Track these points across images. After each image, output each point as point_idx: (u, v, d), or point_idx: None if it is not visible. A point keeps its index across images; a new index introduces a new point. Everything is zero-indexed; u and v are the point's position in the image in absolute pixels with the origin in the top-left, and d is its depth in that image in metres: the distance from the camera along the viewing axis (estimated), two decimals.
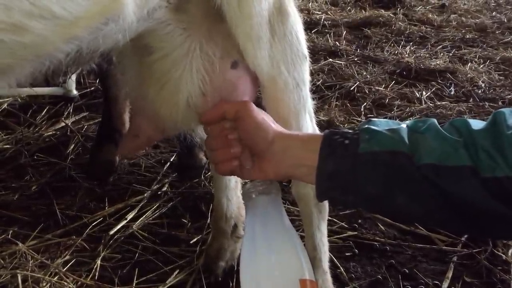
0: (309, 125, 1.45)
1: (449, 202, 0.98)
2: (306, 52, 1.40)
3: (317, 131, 1.54)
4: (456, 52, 4.00)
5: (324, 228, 1.58)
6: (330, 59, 3.75)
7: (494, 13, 4.98)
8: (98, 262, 1.85)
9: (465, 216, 0.99)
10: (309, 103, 1.44)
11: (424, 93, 3.28)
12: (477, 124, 1.00)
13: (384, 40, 4.23)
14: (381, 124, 1.07)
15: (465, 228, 1.07)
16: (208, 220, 2.07)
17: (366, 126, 1.07)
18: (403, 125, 1.05)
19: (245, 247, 1.12)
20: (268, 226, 1.11)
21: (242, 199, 1.19)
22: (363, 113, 3.03)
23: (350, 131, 1.10)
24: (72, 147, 2.61)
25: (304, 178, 1.13)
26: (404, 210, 1.05)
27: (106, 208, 2.18)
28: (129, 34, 1.10)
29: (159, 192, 2.29)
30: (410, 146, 1.01)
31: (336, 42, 4.11)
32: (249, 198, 1.17)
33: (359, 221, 2.10)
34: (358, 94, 3.26)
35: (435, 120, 1.05)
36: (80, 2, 0.96)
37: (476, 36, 4.35)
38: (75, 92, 3.03)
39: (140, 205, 2.18)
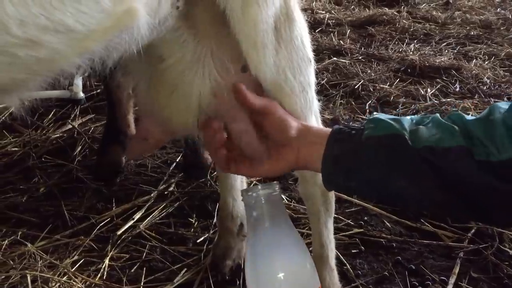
0: None
1: (447, 183, 1.02)
2: (311, 55, 1.40)
3: None
4: (461, 49, 3.99)
5: (331, 225, 1.60)
6: (335, 58, 3.75)
7: (498, 9, 4.96)
8: (106, 262, 1.86)
9: (463, 197, 1.02)
10: (315, 105, 1.44)
11: (429, 90, 3.27)
12: (471, 117, 1.06)
13: (388, 38, 4.22)
14: (386, 117, 1.13)
15: (464, 211, 1.08)
16: (215, 219, 2.09)
17: (372, 117, 1.14)
18: (408, 117, 1.12)
19: (248, 252, 1.10)
20: (269, 230, 1.08)
21: (242, 200, 1.15)
22: (368, 111, 3.03)
23: (357, 125, 1.18)
24: (79, 149, 2.63)
25: (315, 164, 1.17)
26: (403, 193, 1.09)
27: (114, 208, 2.19)
28: (141, 44, 1.10)
29: (165, 192, 2.31)
30: (410, 133, 1.06)
31: (340, 41, 4.11)
32: (248, 199, 1.12)
33: (365, 218, 2.11)
34: (362, 92, 3.26)
35: (438, 115, 1.10)
36: (94, 15, 0.95)
37: (480, 33, 4.33)
38: (81, 94, 3.05)
39: (147, 205, 2.20)
